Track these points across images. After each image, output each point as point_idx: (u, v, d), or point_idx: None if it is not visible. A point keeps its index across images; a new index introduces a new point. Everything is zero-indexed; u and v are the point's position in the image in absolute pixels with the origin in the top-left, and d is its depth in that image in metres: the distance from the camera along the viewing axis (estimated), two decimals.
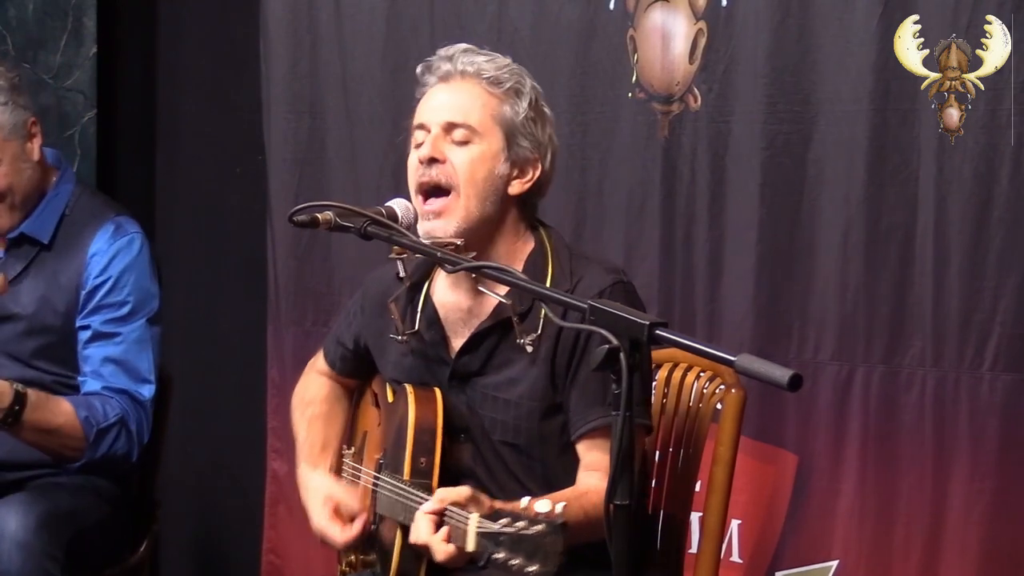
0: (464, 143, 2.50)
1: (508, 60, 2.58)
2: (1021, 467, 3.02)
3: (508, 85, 2.53)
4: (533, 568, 2.04)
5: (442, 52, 2.57)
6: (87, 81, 4.23)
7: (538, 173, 2.56)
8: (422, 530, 2.26)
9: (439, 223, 2.48)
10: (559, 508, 2.08)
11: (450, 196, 2.49)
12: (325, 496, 2.66)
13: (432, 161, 2.49)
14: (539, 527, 2.05)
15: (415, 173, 2.52)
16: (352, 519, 2.63)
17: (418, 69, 2.58)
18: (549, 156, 2.57)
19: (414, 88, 2.60)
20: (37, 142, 3.14)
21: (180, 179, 4.38)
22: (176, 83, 4.37)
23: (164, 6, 4.38)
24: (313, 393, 2.84)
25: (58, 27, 4.23)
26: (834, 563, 3.21)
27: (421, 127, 2.54)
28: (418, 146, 2.53)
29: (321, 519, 2.63)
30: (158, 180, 4.41)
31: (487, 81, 2.53)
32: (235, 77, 4.19)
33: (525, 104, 2.54)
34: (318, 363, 2.86)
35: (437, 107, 2.53)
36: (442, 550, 2.23)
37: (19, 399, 2.85)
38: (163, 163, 4.42)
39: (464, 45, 2.57)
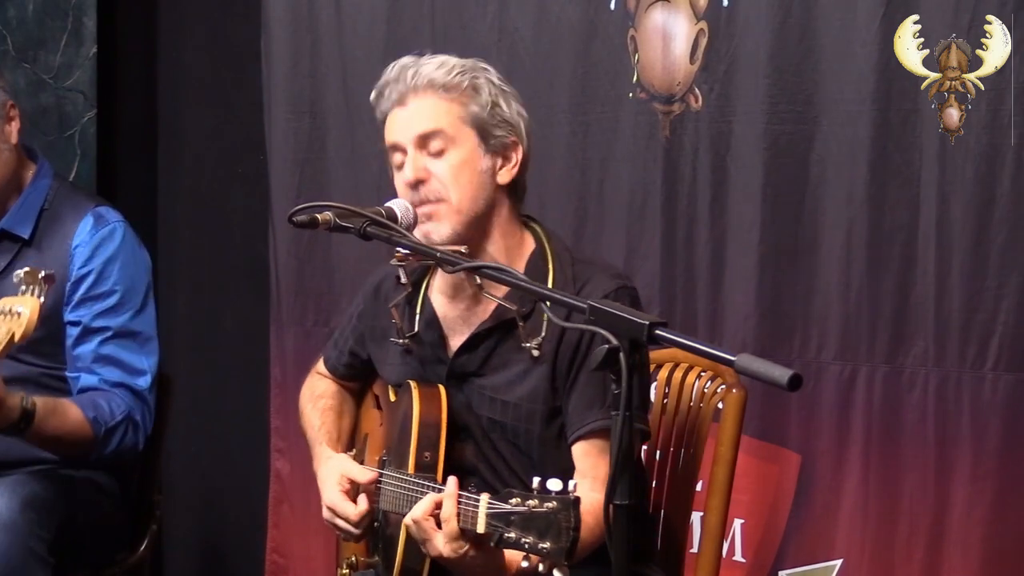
0: (441, 152, 2.50)
1: (455, 59, 2.55)
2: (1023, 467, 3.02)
3: (464, 86, 2.51)
4: (546, 545, 2.04)
5: (387, 75, 2.54)
6: (87, 81, 4.23)
7: (521, 153, 2.55)
8: (417, 506, 2.29)
9: (432, 225, 2.48)
10: (571, 485, 2.07)
11: (441, 204, 2.49)
12: (341, 474, 2.61)
13: (418, 184, 2.49)
14: (551, 504, 2.05)
15: (405, 196, 2.51)
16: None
17: (371, 95, 2.56)
18: (524, 131, 2.56)
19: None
20: (15, 126, 3.11)
21: (181, 179, 4.39)
22: (176, 83, 4.37)
23: (164, 6, 4.38)
24: (323, 389, 2.84)
25: (58, 27, 4.23)
26: (837, 562, 3.21)
27: (395, 147, 2.53)
28: (398, 167, 2.54)
29: (334, 495, 2.59)
30: (159, 180, 4.42)
31: (442, 89, 2.50)
32: (235, 77, 4.19)
33: (486, 96, 2.51)
34: (320, 368, 2.88)
35: (403, 126, 2.51)
36: (430, 527, 2.25)
37: (26, 417, 2.83)
38: (164, 163, 4.42)
39: (405, 59, 2.54)
